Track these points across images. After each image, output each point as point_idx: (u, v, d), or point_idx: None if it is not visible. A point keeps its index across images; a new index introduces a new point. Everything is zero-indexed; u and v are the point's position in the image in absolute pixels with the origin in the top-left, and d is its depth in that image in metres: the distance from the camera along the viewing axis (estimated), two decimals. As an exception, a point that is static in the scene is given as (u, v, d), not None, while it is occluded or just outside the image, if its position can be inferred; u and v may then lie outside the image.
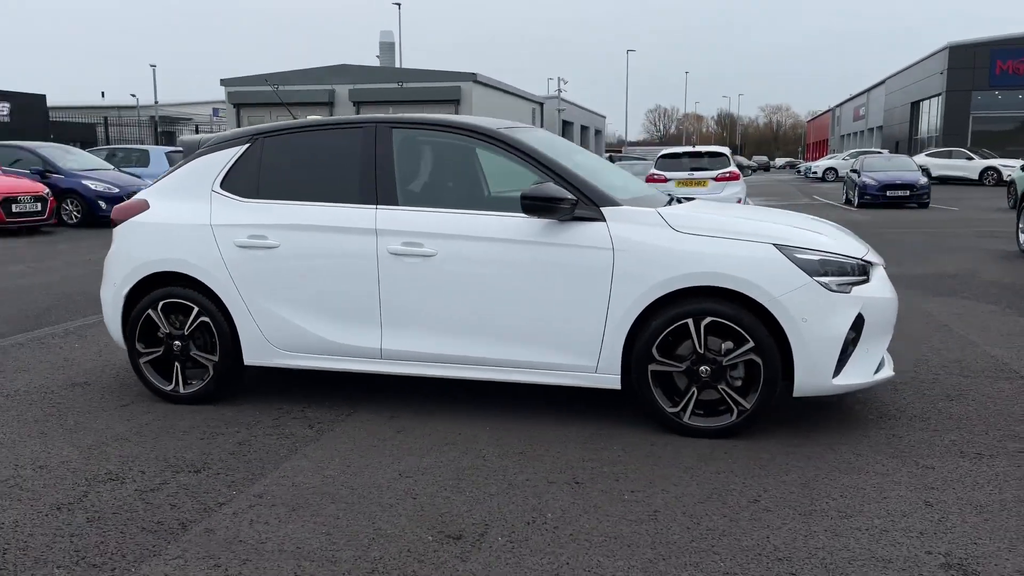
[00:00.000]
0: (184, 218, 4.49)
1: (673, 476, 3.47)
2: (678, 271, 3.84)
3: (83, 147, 31.35)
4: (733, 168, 14.74)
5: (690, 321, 3.84)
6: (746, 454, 3.71)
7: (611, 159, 15.59)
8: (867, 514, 3.10)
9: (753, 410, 3.85)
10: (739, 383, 3.88)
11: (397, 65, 33.24)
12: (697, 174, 14.64)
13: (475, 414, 4.28)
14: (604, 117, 54.73)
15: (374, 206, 4.24)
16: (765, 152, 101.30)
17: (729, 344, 3.84)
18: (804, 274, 3.78)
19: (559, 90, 38.65)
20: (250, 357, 4.44)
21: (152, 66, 40.42)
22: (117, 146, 19.83)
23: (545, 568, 2.71)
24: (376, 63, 29.66)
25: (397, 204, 4.23)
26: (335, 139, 4.45)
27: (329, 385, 4.81)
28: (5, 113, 39.98)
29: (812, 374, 3.80)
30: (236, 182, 4.51)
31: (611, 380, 4.00)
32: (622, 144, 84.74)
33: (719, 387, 3.88)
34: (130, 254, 4.58)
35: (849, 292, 3.82)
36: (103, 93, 55.79)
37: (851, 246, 4.08)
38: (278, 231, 4.32)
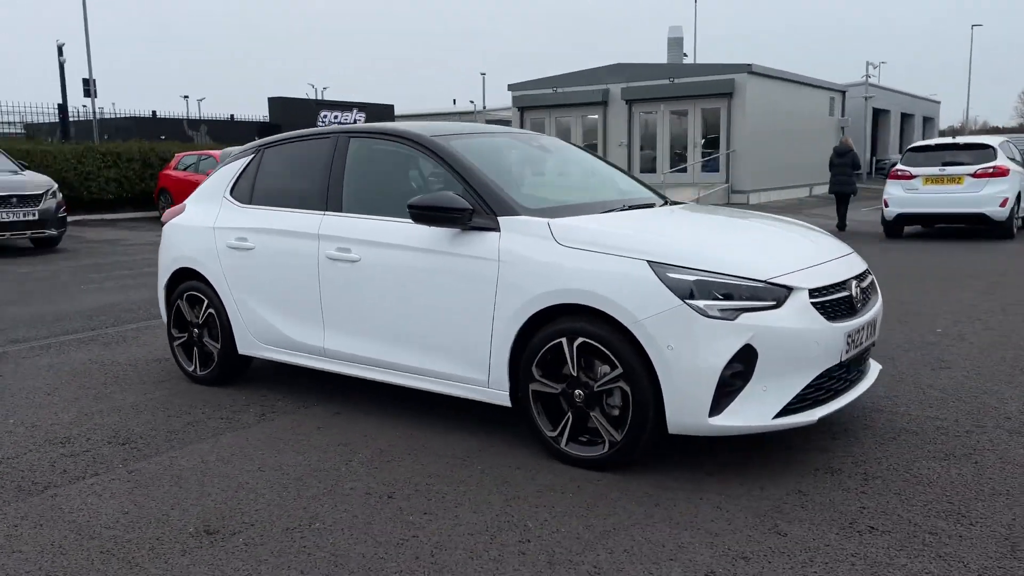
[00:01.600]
0: (200, 221, 5.11)
1: (480, 504, 3.30)
2: (552, 287, 3.60)
3: None
4: (1000, 163, 12.55)
5: (564, 340, 3.59)
6: (591, 493, 3.39)
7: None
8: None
9: (623, 444, 3.49)
10: (616, 412, 3.53)
11: (687, 61, 32.73)
12: (949, 170, 12.69)
13: (410, 421, 4.35)
14: (937, 102, 48.60)
15: (323, 212, 4.49)
16: None
17: (606, 368, 3.52)
18: (673, 295, 3.34)
19: (866, 75, 35.26)
20: (242, 347, 4.93)
21: (482, 74, 44.22)
22: None
23: (256, 570, 2.79)
24: (656, 60, 29.51)
25: (341, 211, 4.44)
26: (311, 149, 4.77)
27: (327, 380, 5.14)
28: (361, 121, 46.05)
29: (683, 410, 3.35)
30: (239, 189, 5.03)
31: (501, 396, 3.86)
32: (983, 130, 74.47)
33: (592, 414, 3.57)
34: (167, 251, 5.31)
35: (734, 319, 3.30)
36: (455, 100, 61.98)
37: (778, 265, 3.49)
38: (255, 234, 4.75)
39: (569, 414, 3.63)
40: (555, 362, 3.65)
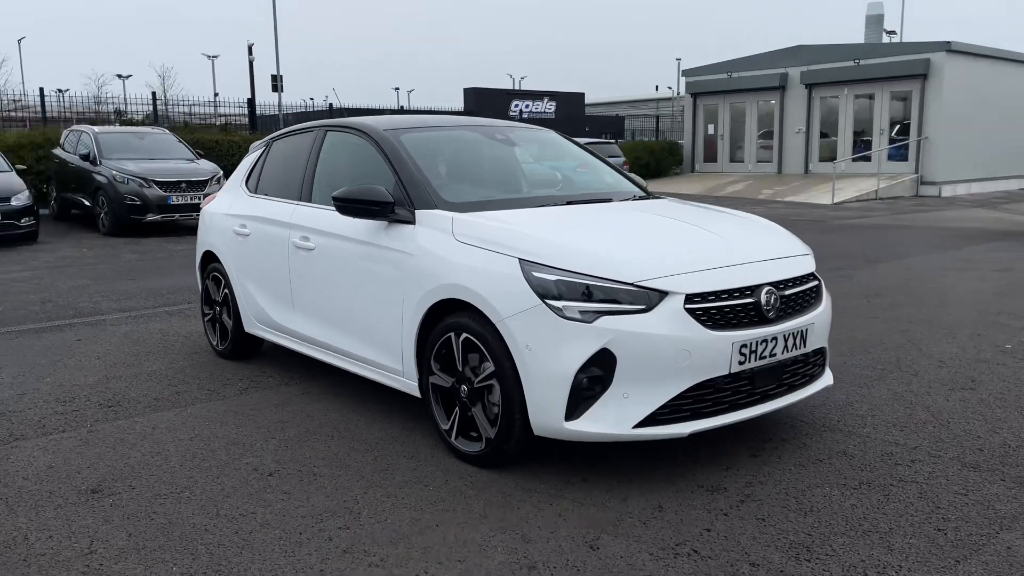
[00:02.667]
0: (221, 208, 5.57)
1: (338, 489, 3.41)
2: (442, 281, 3.64)
3: (611, 137, 35.21)
4: None
5: (452, 335, 3.62)
6: (451, 489, 3.41)
7: None
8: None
9: (496, 442, 3.47)
10: (496, 409, 3.52)
11: (885, 41, 30.25)
12: None
13: (359, 404, 4.53)
14: None
15: (297, 203, 4.76)
16: None
17: (486, 365, 3.51)
18: (534, 295, 3.27)
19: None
20: (247, 326, 5.33)
21: (678, 59, 43.13)
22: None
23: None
24: (847, 40, 27.48)
25: (311, 201, 4.69)
26: (300, 143, 5.05)
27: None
28: (551, 110, 46.55)
29: (542, 412, 3.29)
30: (251, 180, 5.43)
31: (412, 386, 3.94)
32: None
33: (473, 410, 3.58)
34: (199, 235, 5.83)
35: (592, 322, 3.18)
36: (657, 87, 61.44)
37: (658, 267, 3.31)
38: (251, 222, 5.12)
39: (457, 409, 3.66)
40: (448, 356, 3.68)
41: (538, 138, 5.20)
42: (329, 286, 4.39)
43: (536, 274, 3.31)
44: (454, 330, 3.60)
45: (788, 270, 3.65)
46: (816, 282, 3.82)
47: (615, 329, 3.18)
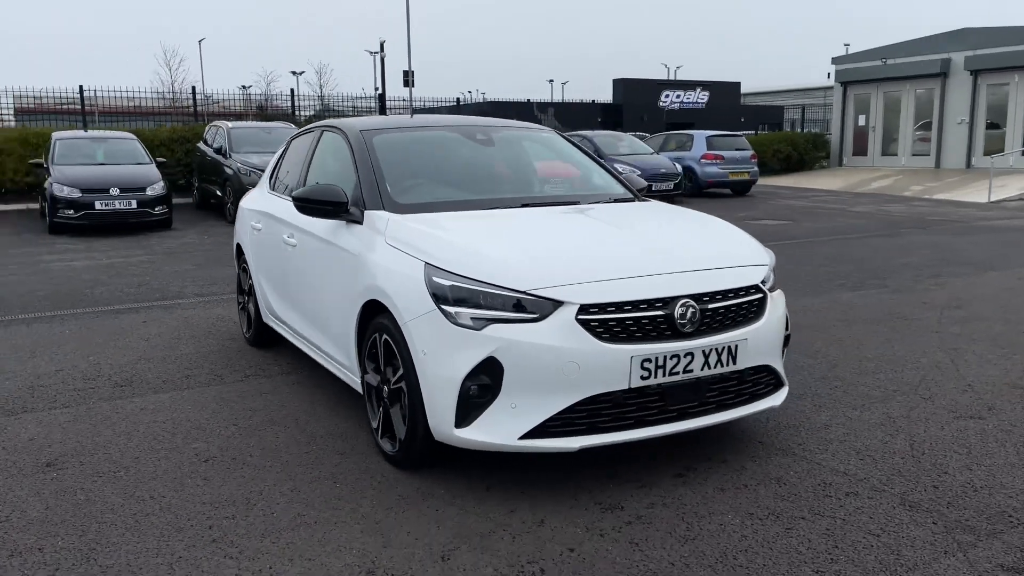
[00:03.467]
0: (247, 204, 5.88)
1: (253, 479, 3.55)
2: (367, 282, 3.72)
3: (769, 129, 33.79)
4: None
5: (376, 336, 3.67)
6: (356, 487, 3.47)
7: None
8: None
9: (406, 443, 3.50)
10: (405, 412, 3.54)
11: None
12: None
13: (335, 395, 4.69)
14: None
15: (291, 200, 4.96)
16: None
17: (400, 366, 3.54)
18: (430, 300, 3.27)
19: None
20: (264, 317, 5.62)
21: (845, 45, 40.39)
22: (671, 132, 21.54)
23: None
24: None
25: (303, 200, 4.87)
26: (305, 141, 5.25)
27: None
28: (704, 100, 45.28)
29: (436, 417, 3.29)
30: (272, 177, 5.70)
31: (357, 383, 4.03)
32: None
33: (391, 411, 3.62)
34: (234, 229, 6.18)
35: (481, 329, 3.14)
36: (829, 74, 58.45)
37: (557, 275, 3.21)
38: (263, 218, 5.38)
39: (381, 409, 3.71)
40: (377, 356, 3.74)
41: (532, 138, 5.14)
42: (303, 282, 4.56)
43: (435, 278, 3.30)
44: (378, 331, 3.65)
45: (717, 282, 3.43)
46: (759, 295, 3.56)
47: (502, 338, 3.12)
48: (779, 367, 3.68)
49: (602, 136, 18.93)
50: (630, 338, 3.19)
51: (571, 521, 3.10)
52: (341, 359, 4.16)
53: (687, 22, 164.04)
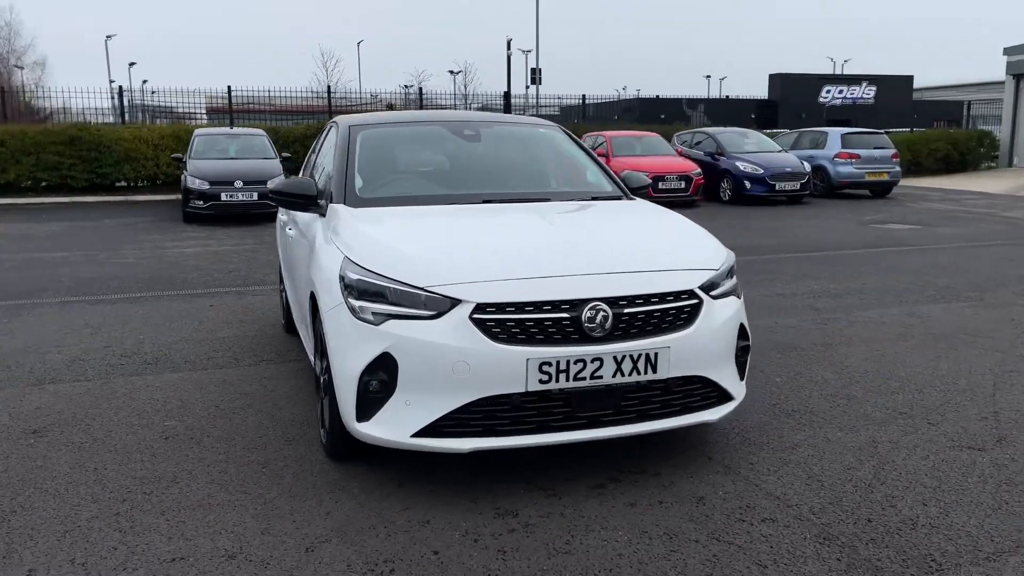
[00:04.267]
0: (290, 201, 6.13)
1: (180, 463, 3.70)
2: (309, 274, 3.78)
3: (948, 126, 31.37)
4: None
5: (317, 327, 3.74)
6: (279, 473, 3.55)
7: None
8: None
9: (329, 433, 3.55)
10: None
11: None
12: None
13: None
14: None
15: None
16: None
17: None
18: (340, 293, 3.30)
19: None
20: (288, 306, 5.84)
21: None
22: (805, 129, 20.31)
23: (-5, 460, 3.73)
24: None
25: (311, 193, 5.03)
26: (324, 138, 5.40)
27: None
28: (871, 95, 42.74)
29: (343, 410, 3.32)
30: (304, 168, 5.90)
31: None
32: None
33: (324, 402, 3.67)
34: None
35: (379, 324, 3.14)
36: None
37: (461, 273, 3.15)
38: (287, 213, 5.59)
39: (321, 400, 3.77)
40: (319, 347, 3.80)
41: (528, 135, 5.04)
42: (291, 273, 4.72)
43: (347, 272, 3.33)
44: (317, 322, 3.71)
45: (638, 286, 3.23)
46: (693, 301, 3.32)
47: (396, 334, 3.10)
48: (722, 379, 3.43)
49: (726, 133, 18.26)
50: (529, 340, 3.08)
51: (454, 524, 3.04)
52: (308, 348, 4.26)
53: (858, 14, 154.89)
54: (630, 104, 38.36)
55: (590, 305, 3.12)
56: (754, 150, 17.53)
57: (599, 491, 3.31)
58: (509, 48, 29.36)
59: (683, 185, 16.12)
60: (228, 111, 20.87)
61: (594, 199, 4.38)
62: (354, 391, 3.20)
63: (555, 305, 3.11)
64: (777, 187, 16.48)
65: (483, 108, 23.47)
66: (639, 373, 3.18)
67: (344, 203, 4.01)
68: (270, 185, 4.34)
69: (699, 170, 16.46)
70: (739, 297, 3.62)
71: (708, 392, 3.41)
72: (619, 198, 4.45)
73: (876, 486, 3.32)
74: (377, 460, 3.58)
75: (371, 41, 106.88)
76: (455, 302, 3.09)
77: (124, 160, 17.02)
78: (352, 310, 3.23)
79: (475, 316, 3.07)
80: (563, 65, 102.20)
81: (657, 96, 37.22)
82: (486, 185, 4.47)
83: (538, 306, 3.10)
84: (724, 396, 3.46)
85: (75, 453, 3.78)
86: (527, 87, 29.03)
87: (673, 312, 3.28)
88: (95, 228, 12.99)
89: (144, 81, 38.35)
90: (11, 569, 2.77)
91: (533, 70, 28.50)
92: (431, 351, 3.06)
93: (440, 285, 3.13)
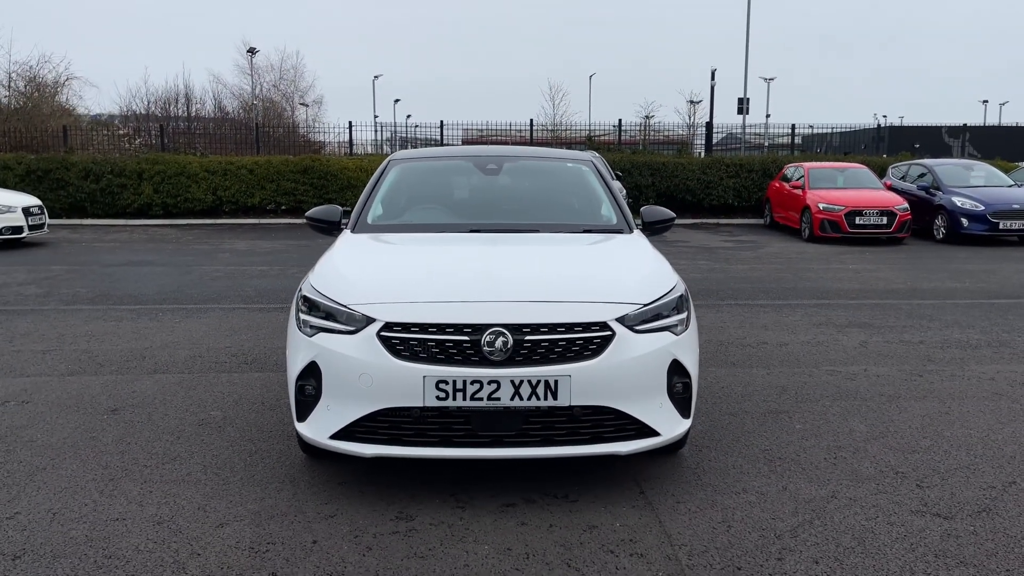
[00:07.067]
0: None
1: (153, 448, 4.29)
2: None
3: None
4: None
5: (305, 336, 4.22)
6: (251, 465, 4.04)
7: None
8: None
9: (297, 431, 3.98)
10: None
11: None
12: None
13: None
14: None
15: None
16: None
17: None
18: (295, 306, 3.75)
19: None
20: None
21: None
22: None
23: None
24: None
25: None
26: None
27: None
28: None
29: (292, 411, 3.73)
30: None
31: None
32: None
33: (302, 403, 4.12)
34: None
35: (311, 336, 3.55)
36: None
37: (381, 293, 3.50)
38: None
39: (306, 398, 4.23)
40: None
41: (551, 169, 5.21)
42: None
43: (303, 288, 3.78)
44: (305, 333, 4.19)
45: (543, 315, 3.36)
46: (605, 333, 3.37)
47: (322, 345, 3.49)
48: (642, 414, 3.43)
49: (947, 165, 16.72)
50: (430, 359, 3.33)
51: (353, 521, 3.34)
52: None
53: None
54: (879, 133, 35.84)
55: (490, 330, 3.31)
56: (979, 184, 15.90)
57: (506, 509, 3.45)
58: (713, 79, 28.94)
59: (884, 221, 14.96)
60: (440, 141, 22.49)
61: (586, 231, 4.49)
62: (293, 394, 3.62)
63: (458, 328, 3.33)
64: (1001, 225, 14.81)
65: (683, 140, 23.27)
66: (538, 398, 3.30)
67: (352, 229, 4.48)
68: (307, 213, 4.92)
69: (905, 205, 15.21)
70: (679, 333, 3.59)
71: (624, 424, 3.43)
72: (619, 232, 4.51)
73: (783, 539, 3.16)
74: (347, 459, 3.95)
75: (605, 74, 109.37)
76: (370, 320, 3.42)
77: (347, 187, 18.91)
78: (298, 322, 3.67)
79: (382, 334, 3.38)
80: (816, 92, 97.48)
81: (902, 122, 34.40)
82: (479, 216, 4.71)
83: (441, 328, 3.34)
84: (644, 431, 3.46)
85: (124, 429, 4.53)
86: (767, 116, 28.46)
87: (580, 342, 3.37)
88: (308, 247, 14.52)
89: (408, 116, 42.17)
90: (2, 507, 3.48)
91: (740, 99, 27.77)
92: (344, 363, 3.41)
93: (359, 304, 3.48)
